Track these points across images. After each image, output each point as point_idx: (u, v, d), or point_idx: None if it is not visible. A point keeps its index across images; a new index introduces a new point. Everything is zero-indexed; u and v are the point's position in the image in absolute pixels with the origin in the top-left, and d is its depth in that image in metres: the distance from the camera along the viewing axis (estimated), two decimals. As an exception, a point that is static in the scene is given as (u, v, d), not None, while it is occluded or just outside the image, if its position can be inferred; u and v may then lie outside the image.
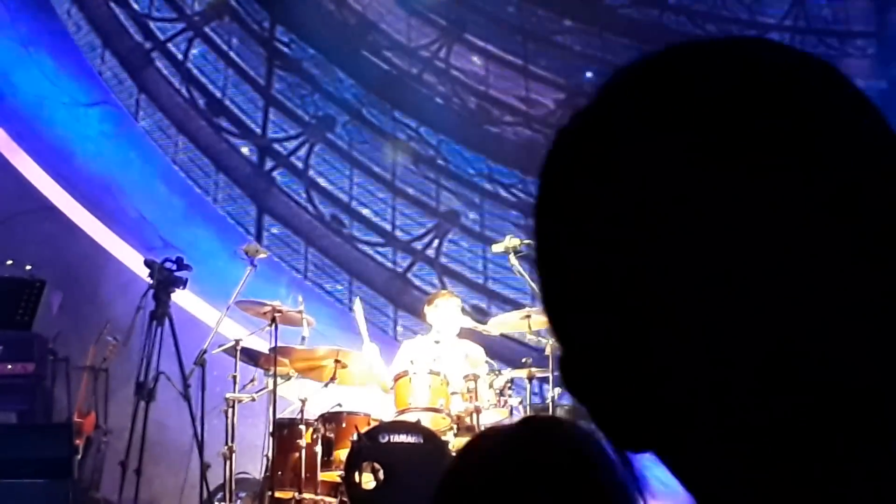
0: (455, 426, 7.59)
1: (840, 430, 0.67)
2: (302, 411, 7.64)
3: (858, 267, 0.67)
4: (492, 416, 7.74)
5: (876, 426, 0.67)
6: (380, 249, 13.51)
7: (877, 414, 0.67)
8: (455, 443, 7.49)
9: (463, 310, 8.49)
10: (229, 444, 7.63)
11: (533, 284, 8.68)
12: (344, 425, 7.52)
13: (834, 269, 0.67)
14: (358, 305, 8.37)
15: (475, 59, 14.29)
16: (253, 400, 7.92)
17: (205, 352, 7.86)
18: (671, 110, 0.72)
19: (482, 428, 7.48)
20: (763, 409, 0.67)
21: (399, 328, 13.00)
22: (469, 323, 8.23)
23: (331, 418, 7.62)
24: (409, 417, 7.47)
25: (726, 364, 0.68)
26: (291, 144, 13.53)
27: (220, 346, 7.93)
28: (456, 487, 1.61)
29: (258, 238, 12.53)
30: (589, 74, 14.17)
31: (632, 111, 0.74)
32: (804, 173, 0.68)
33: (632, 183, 0.71)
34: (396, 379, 7.80)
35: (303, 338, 8.05)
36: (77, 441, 8.07)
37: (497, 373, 7.89)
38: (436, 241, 13.65)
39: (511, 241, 7.96)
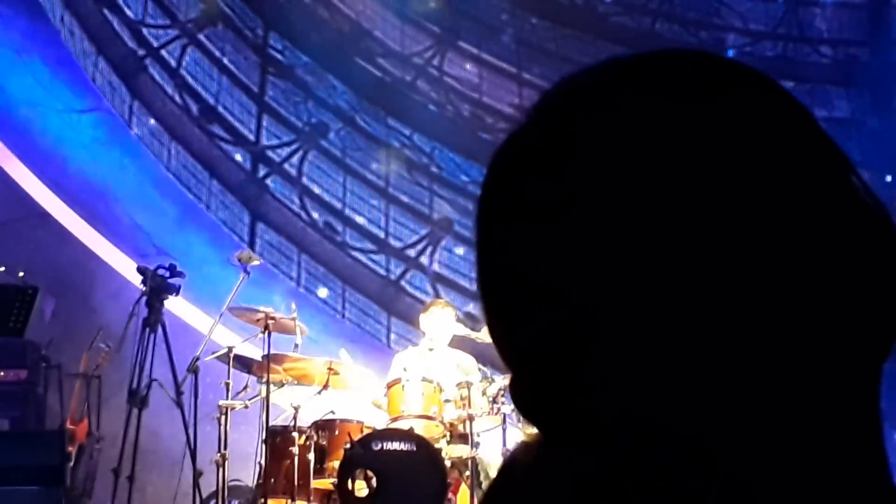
0: (448, 434, 7.60)
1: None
2: (295, 418, 7.63)
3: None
4: (485, 424, 7.75)
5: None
6: (373, 256, 13.52)
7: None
8: (448, 450, 7.49)
9: (457, 318, 8.50)
10: (222, 451, 7.62)
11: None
12: (337, 433, 7.52)
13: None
14: (344, 356, 8.31)
15: (469, 66, 14.32)
16: (246, 407, 7.90)
17: (198, 359, 7.84)
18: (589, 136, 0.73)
19: (475, 436, 7.49)
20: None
21: (392, 335, 13.00)
22: (462, 330, 8.23)
23: (324, 426, 7.62)
24: (403, 425, 7.46)
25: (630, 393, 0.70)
26: (285, 151, 13.53)
27: (213, 353, 7.92)
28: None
29: (251, 245, 12.53)
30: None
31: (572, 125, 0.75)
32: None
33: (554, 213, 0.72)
34: (389, 387, 7.80)
35: (296, 345, 8.04)
36: (69, 448, 8.03)
37: (490, 380, 7.89)
38: (429, 249, 13.66)
39: (504, 249, 7.95)
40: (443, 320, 8.29)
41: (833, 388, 0.70)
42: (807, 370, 0.69)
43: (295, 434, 7.47)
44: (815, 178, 0.72)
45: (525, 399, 0.78)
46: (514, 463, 0.90)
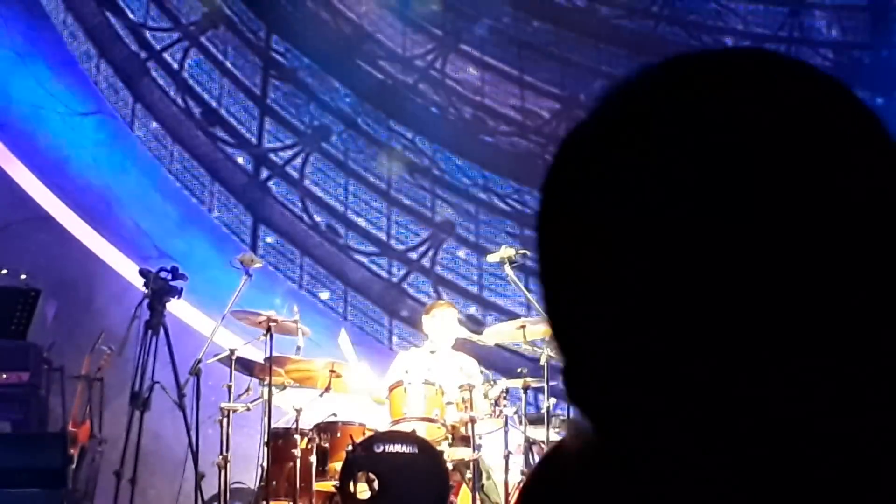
0: (450, 436, 7.59)
1: None
2: (297, 421, 7.63)
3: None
4: (487, 427, 7.75)
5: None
6: (375, 259, 13.51)
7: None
8: (450, 453, 7.49)
9: (459, 320, 8.50)
10: (224, 453, 7.62)
11: (528, 294, 8.70)
12: (339, 435, 7.52)
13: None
14: (343, 337, 8.34)
15: (471, 69, 14.31)
16: (248, 409, 7.91)
17: (200, 361, 7.85)
18: (678, 126, 0.73)
19: (478, 438, 7.49)
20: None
21: (394, 338, 13.00)
22: (464, 333, 8.23)
23: (326, 428, 7.62)
24: (405, 427, 7.47)
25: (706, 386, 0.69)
26: (287, 154, 13.52)
27: (214, 355, 7.93)
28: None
29: (253, 248, 12.52)
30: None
31: (638, 124, 0.75)
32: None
33: (635, 196, 0.72)
34: (391, 389, 7.80)
35: (298, 347, 8.05)
36: (71, 450, 8.04)
37: (492, 383, 7.89)
38: (431, 251, 13.65)
39: (506, 251, 7.97)
40: (445, 322, 8.29)
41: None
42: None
43: (297, 436, 7.47)
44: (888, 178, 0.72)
45: (577, 385, 0.78)
46: (559, 451, 0.90)
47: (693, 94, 0.75)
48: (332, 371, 7.81)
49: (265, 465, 7.54)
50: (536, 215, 0.81)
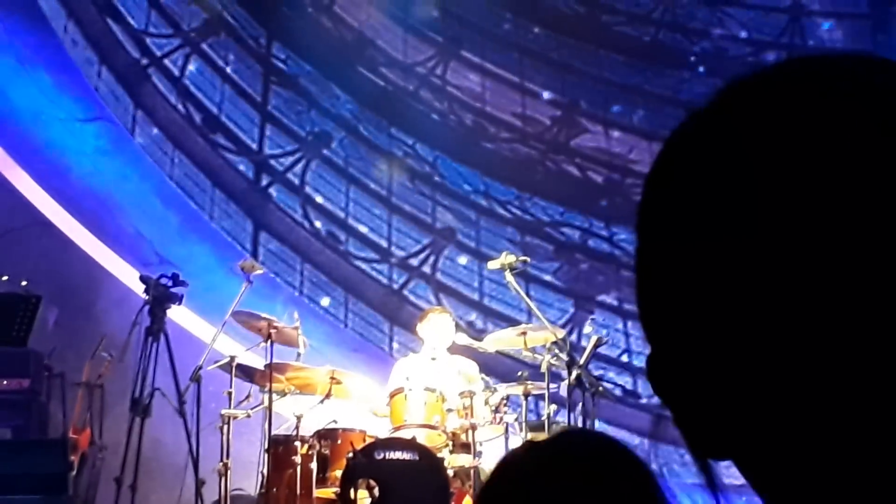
0: (450, 443, 7.59)
1: None
2: (297, 428, 7.64)
3: None
4: (487, 433, 7.74)
5: None
6: (376, 266, 13.52)
7: None
8: (450, 460, 7.49)
9: (458, 326, 8.50)
10: (224, 460, 7.62)
11: (529, 301, 8.70)
12: (339, 442, 7.51)
13: None
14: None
15: (471, 75, 14.32)
16: (248, 416, 7.91)
17: (200, 368, 7.85)
18: (805, 128, 0.72)
19: (478, 445, 7.48)
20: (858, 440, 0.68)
21: (395, 344, 13.00)
22: (465, 339, 8.23)
23: (326, 435, 7.61)
24: (405, 434, 7.46)
25: (827, 388, 0.69)
26: (288, 160, 13.54)
27: (215, 362, 7.93)
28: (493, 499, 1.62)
29: (254, 254, 12.53)
30: (616, 108, 14.22)
31: (763, 124, 0.74)
32: None
33: (750, 195, 0.71)
34: (392, 396, 7.80)
35: (298, 354, 8.05)
36: (72, 457, 8.04)
37: (493, 389, 7.89)
38: (432, 258, 13.66)
39: (507, 258, 7.97)
40: (441, 327, 8.30)
41: None
42: None
43: (297, 443, 7.47)
44: None
45: (663, 378, 0.78)
46: (510, 462, 0.90)
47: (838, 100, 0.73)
48: (332, 378, 7.81)
49: (265, 471, 7.54)
50: (644, 195, 0.80)
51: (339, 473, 7.25)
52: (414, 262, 13.62)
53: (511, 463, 1.69)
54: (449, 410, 7.68)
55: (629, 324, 13.24)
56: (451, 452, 7.56)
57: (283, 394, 7.93)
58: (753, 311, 0.70)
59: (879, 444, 0.67)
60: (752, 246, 0.70)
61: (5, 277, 9.35)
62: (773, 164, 0.71)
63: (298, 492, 7.33)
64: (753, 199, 0.71)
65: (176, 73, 13.24)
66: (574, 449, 1.61)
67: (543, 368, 7.74)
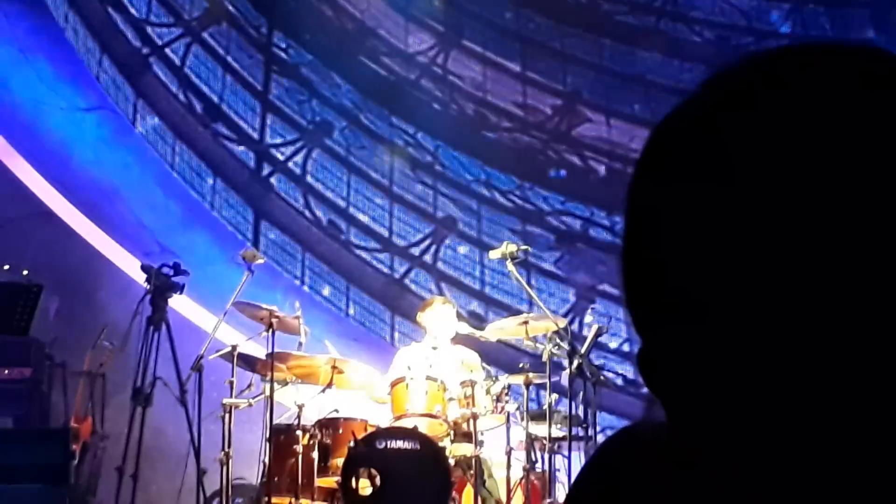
0: (452, 432, 7.60)
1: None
2: (299, 417, 7.63)
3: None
4: (488, 423, 7.75)
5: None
6: (377, 255, 13.51)
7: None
8: (452, 449, 7.49)
9: (459, 316, 8.50)
10: (226, 449, 7.63)
11: (530, 290, 8.70)
12: (341, 431, 7.52)
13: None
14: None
15: (473, 65, 14.30)
16: (250, 405, 7.91)
17: (202, 357, 7.85)
18: (784, 114, 0.72)
19: (480, 434, 7.49)
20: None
21: (396, 334, 13.00)
22: (466, 329, 8.23)
23: (328, 424, 7.62)
24: (406, 423, 7.47)
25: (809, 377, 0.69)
26: (289, 150, 13.52)
27: (216, 351, 7.93)
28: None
29: (255, 243, 12.52)
30: (617, 97, 14.18)
31: (743, 113, 0.74)
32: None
33: (731, 186, 0.71)
34: (393, 385, 7.80)
35: (300, 344, 8.05)
36: (74, 446, 8.04)
37: (494, 379, 7.89)
38: (433, 247, 13.65)
39: (508, 247, 7.97)
40: (442, 316, 8.30)
41: None
42: None
43: (299, 432, 7.47)
44: None
45: (652, 371, 0.78)
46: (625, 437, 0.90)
47: (823, 88, 0.73)
48: (333, 367, 7.81)
49: (267, 461, 7.55)
50: (628, 189, 0.80)
51: (340, 462, 7.25)
52: (415, 251, 13.61)
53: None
54: (450, 400, 7.69)
55: (630, 313, 13.19)
56: (453, 442, 7.57)
57: (284, 383, 7.94)
58: (739, 303, 0.70)
59: (862, 433, 0.68)
60: (734, 237, 0.71)
61: (7, 267, 9.34)
62: (755, 154, 0.71)
63: (300, 481, 7.34)
64: (736, 188, 0.71)
65: (177, 62, 13.22)
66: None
67: (545, 358, 7.74)
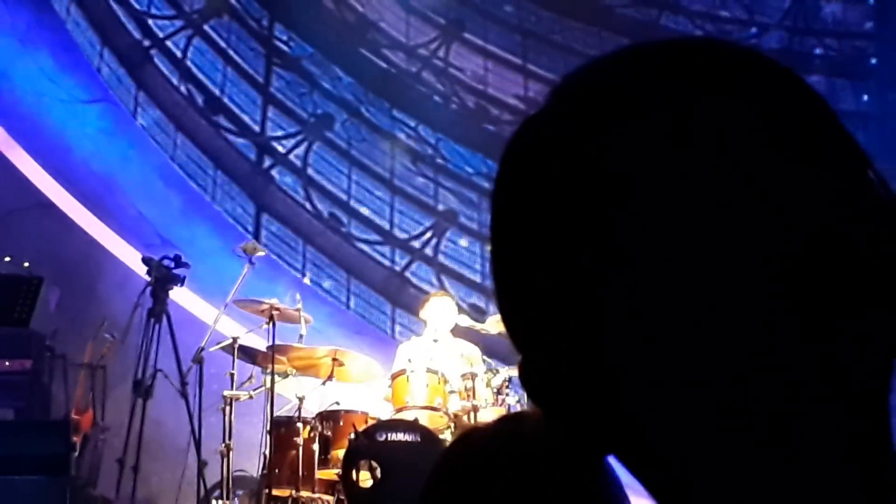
0: (452, 425, 7.60)
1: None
2: (299, 409, 7.64)
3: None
4: (489, 415, 7.75)
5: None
6: (378, 248, 13.51)
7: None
8: (452, 441, 7.49)
9: (460, 308, 8.51)
10: (227, 441, 7.63)
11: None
12: (341, 423, 7.53)
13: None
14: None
15: (474, 58, 14.29)
16: (250, 398, 7.92)
17: (202, 349, 7.86)
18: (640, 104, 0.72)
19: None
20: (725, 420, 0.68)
21: (397, 327, 13.00)
22: (467, 321, 8.23)
23: (328, 416, 7.63)
24: (407, 416, 7.47)
25: (689, 377, 0.68)
26: (290, 142, 13.52)
27: (217, 343, 7.93)
28: (444, 485, 1.58)
29: (256, 236, 12.52)
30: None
31: (601, 107, 0.74)
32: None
33: (594, 184, 0.71)
34: (394, 378, 7.81)
35: (301, 336, 8.06)
36: (74, 438, 8.05)
37: (494, 371, 7.90)
38: (434, 240, 13.65)
39: (509, 240, 7.95)
40: (443, 310, 8.31)
41: (845, 387, 0.68)
42: (818, 371, 0.67)
43: (299, 425, 7.48)
44: (834, 172, 0.70)
45: (534, 383, 0.78)
46: (458, 447, 0.90)
47: (651, 83, 0.74)
48: (334, 359, 7.82)
49: (268, 453, 7.56)
50: (490, 202, 0.81)
51: (340, 455, 7.26)
52: (416, 244, 13.61)
53: (458, 449, 1.65)
54: (451, 392, 7.69)
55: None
56: (453, 434, 7.57)
57: (285, 375, 7.94)
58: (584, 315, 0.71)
59: (716, 434, 0.68)
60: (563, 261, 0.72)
61: (7, 259, 9.35)
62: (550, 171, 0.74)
63: (300, 473, 7.35)
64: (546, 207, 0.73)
65: (178, 54, 13.22)
66: (523, 430, 1.57)
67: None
